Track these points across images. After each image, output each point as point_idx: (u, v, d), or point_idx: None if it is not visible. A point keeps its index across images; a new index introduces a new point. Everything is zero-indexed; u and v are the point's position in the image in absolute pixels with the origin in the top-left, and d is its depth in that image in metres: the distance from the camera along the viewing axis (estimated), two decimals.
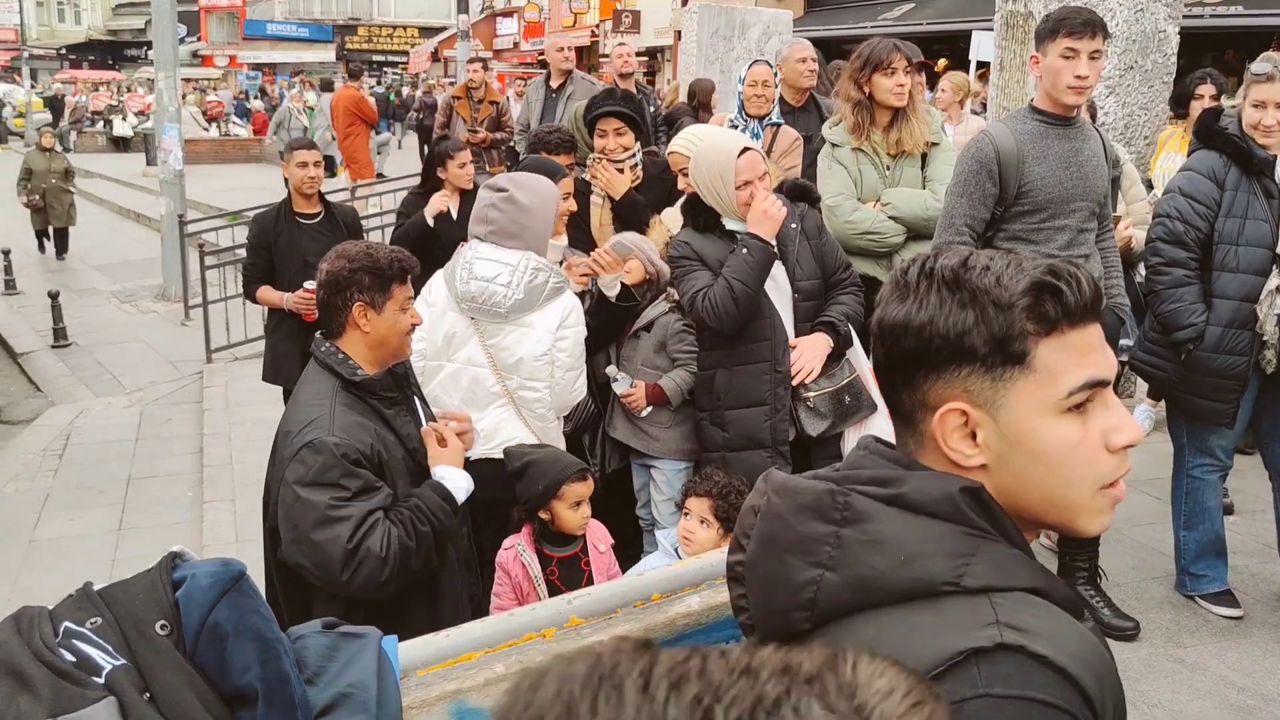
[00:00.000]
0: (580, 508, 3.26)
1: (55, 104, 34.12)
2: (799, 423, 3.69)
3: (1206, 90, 5.87)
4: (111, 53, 55.20)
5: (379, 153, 16.84)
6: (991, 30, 7.30)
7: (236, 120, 29.74)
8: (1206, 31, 13.52)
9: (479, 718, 1.53)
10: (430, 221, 5.30)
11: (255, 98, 33.83)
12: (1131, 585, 4.45)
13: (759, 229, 3.55)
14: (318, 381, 2.74)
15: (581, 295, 3.93)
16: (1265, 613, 4.26)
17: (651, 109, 8.38)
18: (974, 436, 1.14)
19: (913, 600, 1.06)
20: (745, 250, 3.55)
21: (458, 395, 3.54)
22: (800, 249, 3.72)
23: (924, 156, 4.51)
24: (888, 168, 4.49)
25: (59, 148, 15.27)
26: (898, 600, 1.07)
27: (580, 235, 4.55)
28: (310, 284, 5.26)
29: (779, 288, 3.68)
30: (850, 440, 3.70)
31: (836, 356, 3.73)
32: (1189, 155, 4.33)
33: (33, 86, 36.05)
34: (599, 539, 3.37)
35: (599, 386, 4.06)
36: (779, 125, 5.40)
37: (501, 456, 3.31)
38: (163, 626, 1.24)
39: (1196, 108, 5.73)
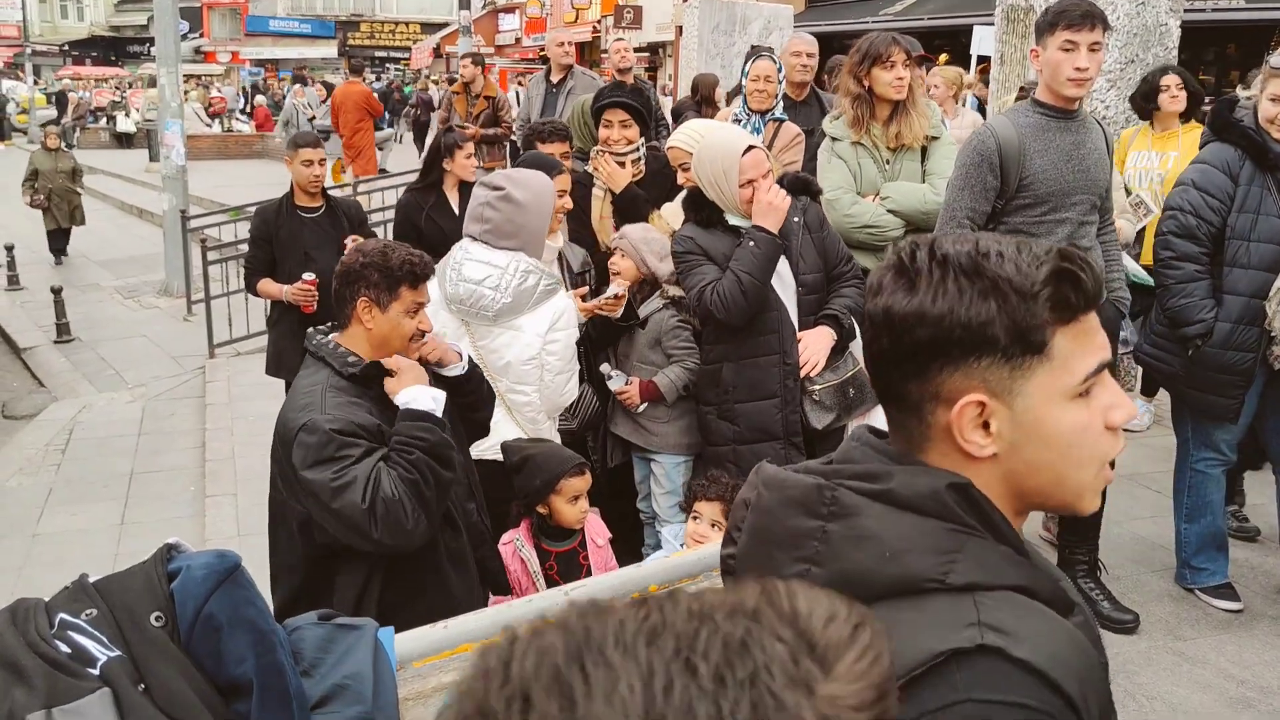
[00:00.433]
0: (578, 502, 3.26)
1: (59, 100, 34.16)
2: (804, 416, 3.69)
3: (1172, 81, 5.59)
4: (114, 49, 55.20)
5: (381, 148, 16.85)
6: (992, 24, 7.30)
7: (240, 116, 29.76)
8: (1208, 25, 13.49)
9: None
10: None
11: (260, 93, 33.84)
12: (1131, 578, 4.45)
13: (764, 221, 3.55)
14: (310, 374, 2.75)
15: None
16: (1265, 606, 4.26)
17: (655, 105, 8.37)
18: (985, 426, 1.13)
19: (897, 597, 1.05)
20: (752, 243, 3.55)
21: None
22: (803, 242, 3.72)
23: (924, 150, 4.51)
24: (887, 161, 4.48)
25: (65, 146, 14.89)
26: (882, 597, 1.05)
27: (581, 228, 4.54)
28: (309, 276, 5.28)
29: (783, 281, 3.68)
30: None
31: (840, 349, 3.73)
32: (1201, 147, 4.29)
33: (36, 83, 36.09)
34: (597, 533, 3.37)
35: (601, 383, 4.06)
36: (781, 121, 5.39)
37: (498, 457, 3.31)
38: (157, 618, 1.25)
39: (1166, 101, 5.57)
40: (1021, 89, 5.84)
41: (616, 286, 3.91)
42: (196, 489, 6.36)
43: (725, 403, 3.73)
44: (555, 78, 8.24)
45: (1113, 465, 1.18)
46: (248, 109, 31.71)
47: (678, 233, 3.81)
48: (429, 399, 2.69)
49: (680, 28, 14.92)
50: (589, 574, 3.21)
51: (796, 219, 3.71)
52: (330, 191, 5.90)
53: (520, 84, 12.70)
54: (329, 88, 16.94)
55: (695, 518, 3.27)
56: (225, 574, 1.27)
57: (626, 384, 3.93)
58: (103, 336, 10.29)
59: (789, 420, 3.66)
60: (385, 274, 2.73)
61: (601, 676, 0.57)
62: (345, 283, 2.75)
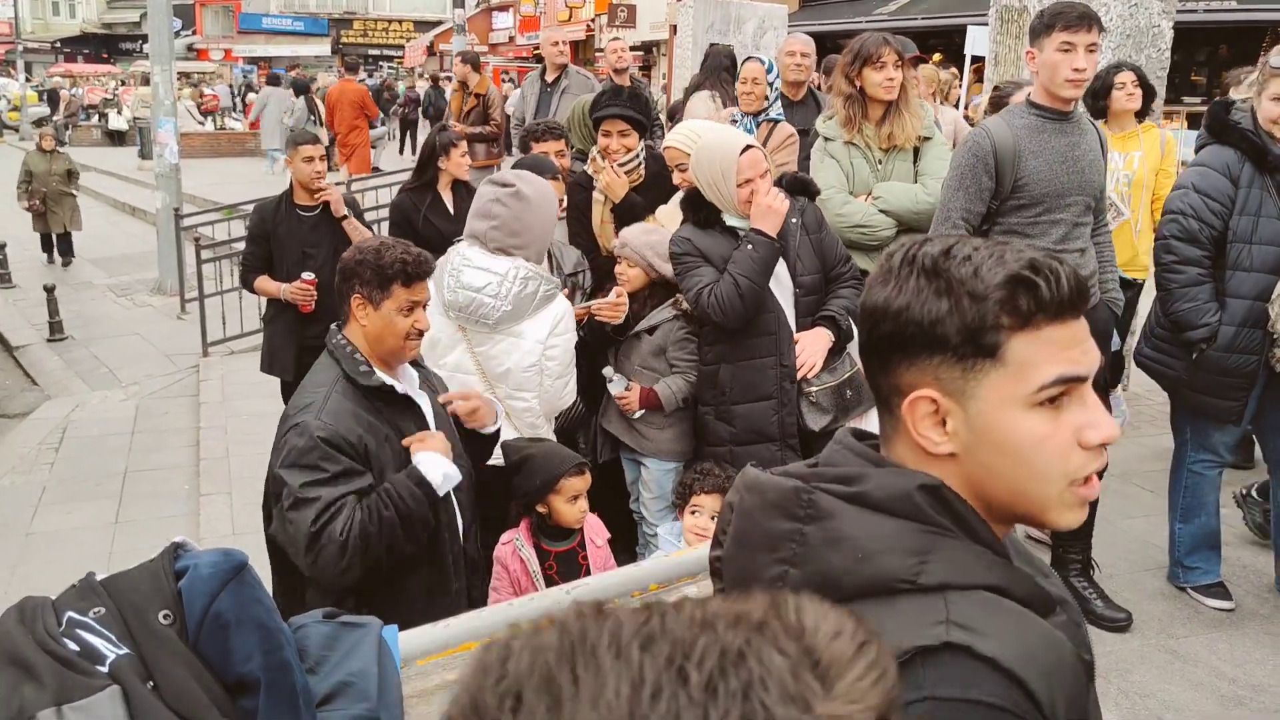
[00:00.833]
0: (578, 502, 3.27)
1: (50, 97, 34.04)
2: (801, 417, 3.70)
3: (1126, 78, 5.27)
4: (106, 46, 55.05)
5: (374, 147, 16.85)
6: (986, 25, 7.32)
7: (233, 114, 29.70)
8: (1200, 26, 13.54)
9: None
10: None
11: (254, 90, 33.78)
12: (1124, 577, 4.48)
13: (762, 223, 3.55)
14: (323, 370, 2.77)
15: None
16: (1256, 604, 4.29)
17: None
18: (944, 424, 1.14)
19: (870, 597, 1.06)
20: (750, 246, 3.54)
21: None
22: (801, 243, 3.72)
23: (916, 150, 4.53)
24: (880, 161, 4.50)
25: (60, 147, 14.31)
26: (856, 597, 1.07)
27: (582, 231, 4.51)
28: (308, 275, 5.29)
29: (781, 282, 3.68)
30: None
31: (837, 350, 3.74)
32: (1197, 150, 4.27)
33: (27, 80, 35.96)
34: (596, 533, 3.38)
35: (588, 379, 4.04)
36: (775, 121, 5.40)
37: (497, 461, 3.31)
38: (165, 616, 1.26)
39: (1119, 98, 5.29)
40: (995, 88, 5.80)
41: (616, 291, 3.90)
42: (191, 487, 6.35)
43: (722, 404, 3.74)
44: (550, 77, 8.25)
45: (1101, 477, 1.17)
46: (241, 101, 31.69)
47: (675, 234, 3.81)
48: (440, 474, 2.70)
49: (674, 26, 14.93)
50: (589, 574, 3.22)
51: (794, 220, 3.72)
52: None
53: (506, 80, 12.62)
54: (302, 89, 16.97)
55: (694, 511, 3.28)
56: (233, 572, 1.28)
57: (626, 389, 3.91)
58: (96, 335, 10.27)
59: (784, 422, 3.67)
60: (377, 271, 2.73)
61: (590, 679, 0.57)
62: (342, 279, 2.78)
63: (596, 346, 4.01)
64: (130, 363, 9.22)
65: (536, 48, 28.52)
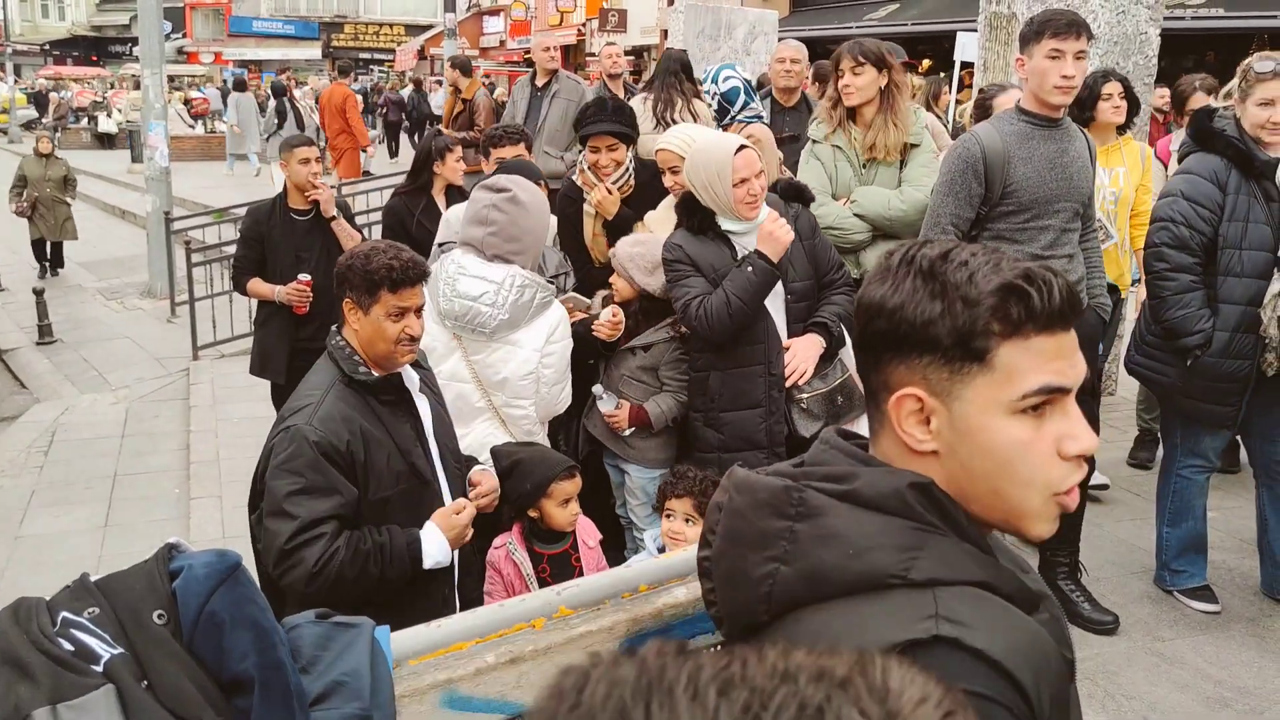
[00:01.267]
0: (569, 505, 3.27)
1: (39, 100, 33.94)
2: (792, 423, 3.70)
3: (1114, 89, 5.01)
4: (95, 48, 54.89)
5: (364, 150, 16.87)
6: (975, 31, 7.36)
7: (223, 118, 29.68)
8: (1188, 33, 13.63)
9: (469, 706, 1.56)
10: None
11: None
12: (1112, 580, 4.51)
13: (765, 248, 3.54)
14: (322, 371, 2.78)
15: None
16: (1242, 607, 4.32)
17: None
18: (928, 423, 1.17)
19: (861, 592, 1.08)
20: (750, 269, 3.53)
21: None
22: (793, 249, 3.71)
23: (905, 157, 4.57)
24: (864, 165, 4.54)
25: (58, 152, 13.72)
26: (847, 592, 1.09)
27: (572, 244, 4.47)
28: (304, 276, 5.30)
29: (772, 292, 3.68)
30: None
31: (829, 357, 3.74)
32: (1181, 159, 4.28)
33: (16, 82, 35.87)
34: (588, 535, 3.39)
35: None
36: (747, 123, 5.40)
37: (487, 468, 3.32)
38: (160, 616, 1.27)
39: (1105, 110, 5.01)
40: (981, 90, 5.82)
41: (612, 310, 3.90)
42: (181, 491, 6.35)
43: (711, 411, 3.74)
44: (540, 81, 8.26)
45: (1084, 490, 1.19)
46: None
47: (668, 240, 3.81)
48: (435, 557, 2.73)
49: (665, 31, 14.96)
50: (582, 575, 3.23)
51: None
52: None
53: (487, 84, 12.54)
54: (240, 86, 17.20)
55: (669, 515, 3.29)
56: (227, 572, 1.29)
57: (616, 407, 3.90)
58: (85, 338, 10.25)
59: (773, 430, 3.67)
60: (365, 276, 2.73)
61: (662, 716, 0.56)
62: (336, 283, 2.79)
63: (582, 354, 4.00)
64: (120, 366, 9.21)
65: (527, 52, 28.55)
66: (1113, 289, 4.74)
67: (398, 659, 1.55)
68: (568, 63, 24.01)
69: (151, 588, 1.29)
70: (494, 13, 37.11)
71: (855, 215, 4.45)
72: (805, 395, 3.68)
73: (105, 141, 28.84)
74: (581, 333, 3.83)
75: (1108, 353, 5.26)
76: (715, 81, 5.45)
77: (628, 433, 3.91)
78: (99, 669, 1.21)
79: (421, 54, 38.78)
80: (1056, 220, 3.81)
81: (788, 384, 3.66)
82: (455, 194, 5.46)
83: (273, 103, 16.60)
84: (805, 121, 6.22)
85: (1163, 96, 8.15)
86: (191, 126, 26.91)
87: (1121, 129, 5.23)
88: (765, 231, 3.54)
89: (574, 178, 4.58)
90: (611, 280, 4.05)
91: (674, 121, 5.71)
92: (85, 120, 31.18)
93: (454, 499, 2.90)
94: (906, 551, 1.09)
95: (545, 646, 1.65)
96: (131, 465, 6.88)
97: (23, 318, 10.80)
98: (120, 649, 1.23)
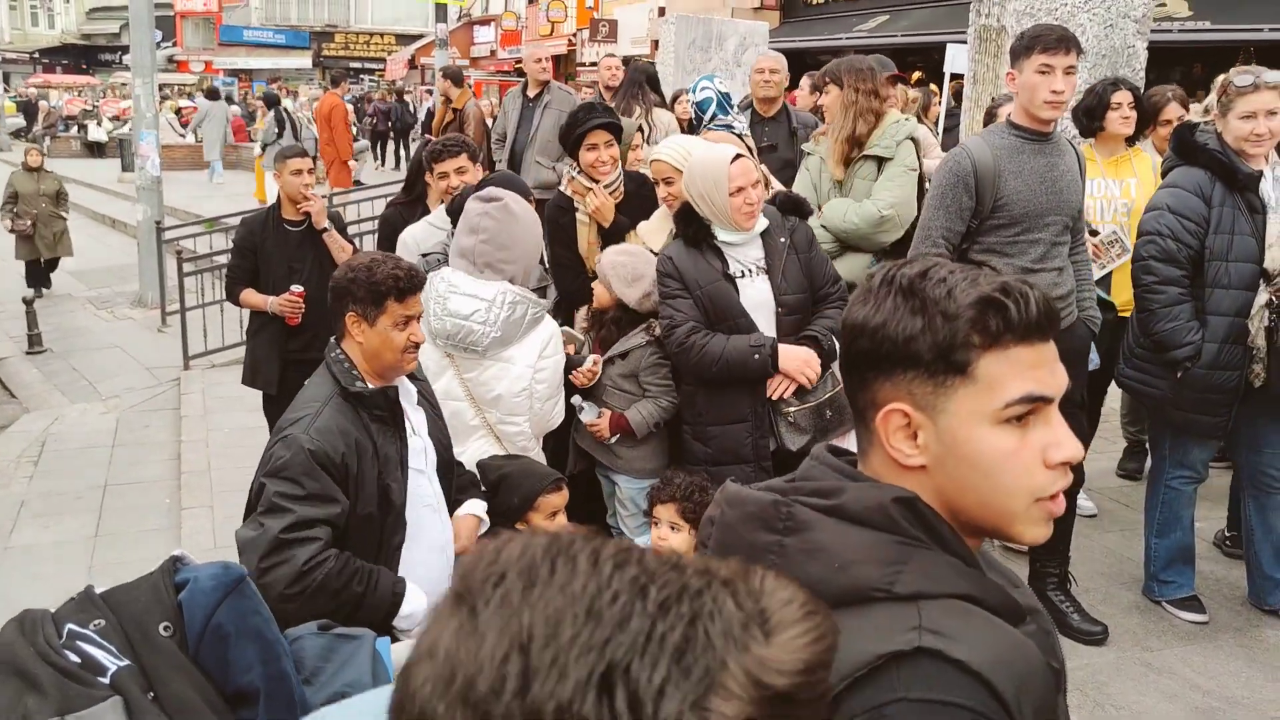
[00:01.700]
0: (556, 518, 3.27)
1: (28, 109, 33.85)
2: (779, 437, 3.73)
3: (1124, 98, 4.87)
4: (85, 57, 54.78)
5: (356, 159, 16.88)
6: (965, 43, 7.40)
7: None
8: (1174, 46, 13.72)
9: None
10: None
11: (234, 103, 33.74)
12: (1100, 590, 4.53)
13: (785, 362, 3.61)
14: (319, 384, 2.79)
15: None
16: (1229, 617, 4.35)
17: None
18: (916, 437, 1.19)
19: (847, 605, 1.10)
20: (756, 356, 3.58)
21: None
22: (788, 262, 3.73)
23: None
24: (838, 179, 4.69)
25: (47, 164, 13.18)
26: (833, 605, 1.10)
27: (566, 253, 4.45)
28: (297, 288, 5.30)
29: (762, 304, 3.69)
30: None
31: (820, 370, 3.76)
32: (1165, 172, 4.32)
33: (5, 90, 35.77)
34: None
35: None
36: (716, 129, 5.44)
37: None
38: (166, 628, 1.28)
39: (1114, 120, 4.87)
40: (993, 99, 5.87)
41: (593, 359, 3.93)
42: (172, 501, 6.33)
43: (699, 424, 3.77)
44: (532, 92, 8.28)
45: (1070, 498, 1.22)
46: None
47: (662, 251, 3.83)
48: (409, 615, 2.73)
49: (656, 42, 15.01)
50: None
51: (784, 239, 3.75)
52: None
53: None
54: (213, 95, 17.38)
55: (655, 522, 3.31)
56: (232, 585, 1.31)
57: (599, 417, 3.92)
58: (75, 348, 10.22)
59: (758, 445, 3.69)
60: (370, 288, 2.75)
61: (564, 572, 0.68)
62: (335, 298, 2.79)
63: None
64: (110, 376, 9.19)
65: (518, 61, 28.57)
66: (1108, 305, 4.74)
67: (398, 670, 1.56)
68: (558, 72, 24.04)
69: (157, 600, 1.30)
70: (485, 22, 37.15)
71: (821, 226, 4.51)
72: (792, 409, 3.70)
73: (95, 150, 28.75)
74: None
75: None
76: (694, 92, 5.50)
77: (612, 440, 3.92)
78: (106, 681, 1.22)
79: (412, 63, 38.81)
80: (1046, 234, 3.84)
81: (771, 396, 3.68)
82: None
83: (271, 113, 16.59)
84: (785, 131, 6.34)
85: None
86: (182, 135, 26.81)
87: (1131, 139, 5.10)
88: (796, 364, 3.61)
89: (562, 188, 4.57)
90: (594, 285, 4.07)
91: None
92: (75, 129, 31.09)
93: (443, 512, 2.92)
94: (891, 565, 1.12)
95: None
96: (122, 475, 6.86)
97: (12, 327, 10.77)
98: (127, 661, 1.25)
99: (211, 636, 1.28)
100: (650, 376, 3.90)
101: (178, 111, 28.76)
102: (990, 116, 5.34)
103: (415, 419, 2.94)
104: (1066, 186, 3.87)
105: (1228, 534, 4.95)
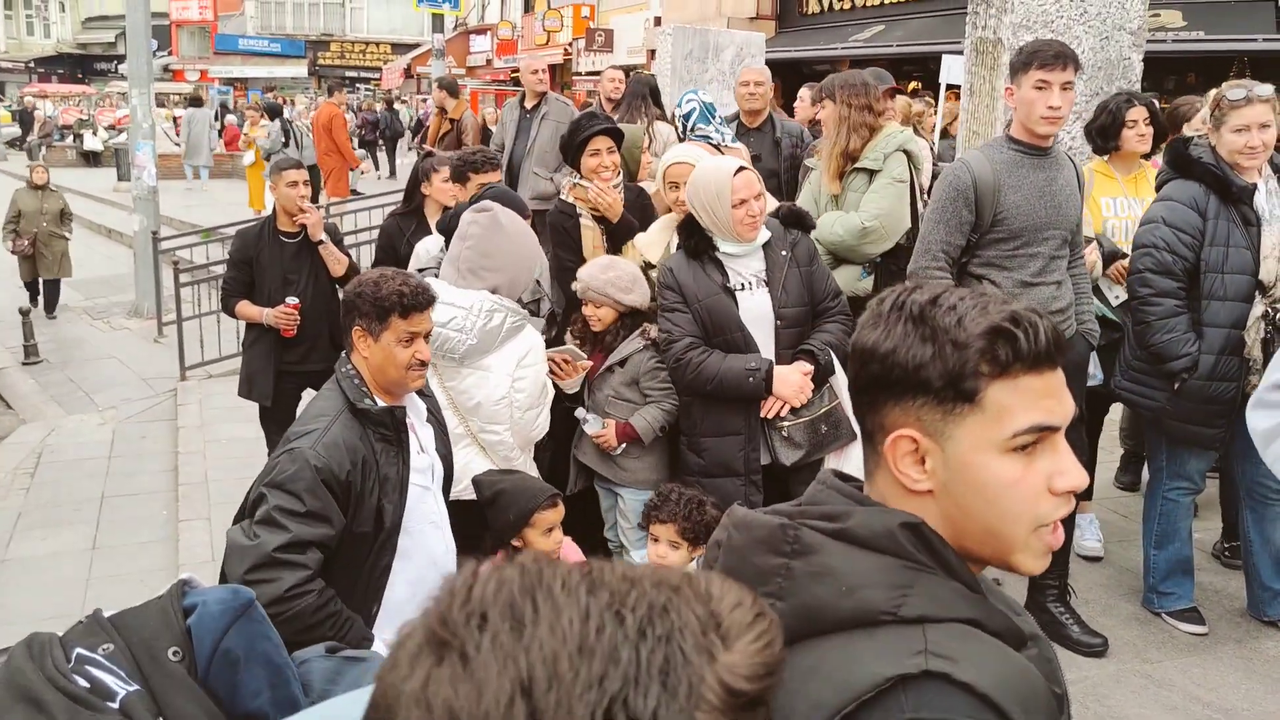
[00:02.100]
0: (552, 534, 3.27)
1: (23, 118, 33.83)
2: (774, 452, 3.73)
3: (1139, 115, 4.81)
4: (81, 66, 54.77)
5: (352, 170, 16.90)
6: (961, 54, 7.42)
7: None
8: (1169, 57, 13.76)
9: None
10: None
11: (230, 111, 33.75)
12: (1100, 602, 4.54)
13: (780, 385, 3.64)
14: (329, 397, 2.80)
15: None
16: (1229, 629, 4.36)
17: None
18: (923, 463, 1.20)
19: (853, 628, 1.12)
20: (751, 379, 3.61)
21: None
22: (789, 275, 3.75)
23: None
24: (834, 194, 4.74)
25: (53, 184, 12.70)
26: (840, 628, 1.13)
27: (571, 257, 4.48)
28: (292, 300, 5.30)
29: (760, 318, 3.71)
30: (834, 465, 3.73)
31: (816, 385, 3.76)
32: (1160, 185, 4.35)
33: (1, 99, 35.74)
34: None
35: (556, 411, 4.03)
36: (705, 138, 5.48)
37: (473, 498, 3.32)
38: (175, 653, 1.28)
39: (1130, 139, 4.82)
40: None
41: (580, 367, 3.93)
42: (169, 513, 6.33)
43: (694, 435, 3.79)
44: (529, 103, 8.30)
45: (1070, 525, 1.22)
46: (219, 123, 31.68)
47: (663, 263, 3.85)
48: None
49: (652, 52, 15.04)
50: None
51: (785, 252, 3.77)
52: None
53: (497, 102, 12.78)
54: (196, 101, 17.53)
55: (654, 540, 3.31)
56: (242, 609, 1.31)
57: (603, 427, 3.92)
58: (72, 358, 10.21)
59: (749, 458, 3.71)
60: (375, 304, 2.77)
61: (548, 609, 0.69)
62: (344, 313, 2.82)
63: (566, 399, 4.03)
64: (107, 387, 9.17)
65: (514, 70, 28.63)
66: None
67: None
68: (554, 83, 24.09)
69: (166, 624, 1.30)
70: (480, 32, 37.21)
71: (815, 239, 4.54)
72: (786, 424, 3.72)
73: (91, 160, 28.74)
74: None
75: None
76: (680, 105, 5.56)
77: (619, 450, 3.92)
78: (115, 706, 1.22)
79: (408, 72, 38.86)
80: (1045, 248, 3.86)
81: (763, 414, 3.70)
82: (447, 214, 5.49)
83: (275, 122, 16.60)
84: (769, 142, 6.40)
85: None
86: (178, 145, 26.82)
87: (1148, 155, 5.02)
88: (791, 389, 3.66)
89: (564, 196, 4.63)
90: (587, 313, 4.03)
91: None
92: (71, 138, 31.08)
93: (446, 529, 2.92)
94: (897, 589, 1.13)
95: None
96: (119, 487, 6.85)
97: (8, 337, 10.74)
98: (136, 686, 1.24)
99: (220, 661, 1.28)
100: (651, 381, 3.92)
101: (174, 120, 28.78)
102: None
103: (424, 435, 2.95)
104: (1065, 200, 3.89)
105: (1226, 545, 4.96)
